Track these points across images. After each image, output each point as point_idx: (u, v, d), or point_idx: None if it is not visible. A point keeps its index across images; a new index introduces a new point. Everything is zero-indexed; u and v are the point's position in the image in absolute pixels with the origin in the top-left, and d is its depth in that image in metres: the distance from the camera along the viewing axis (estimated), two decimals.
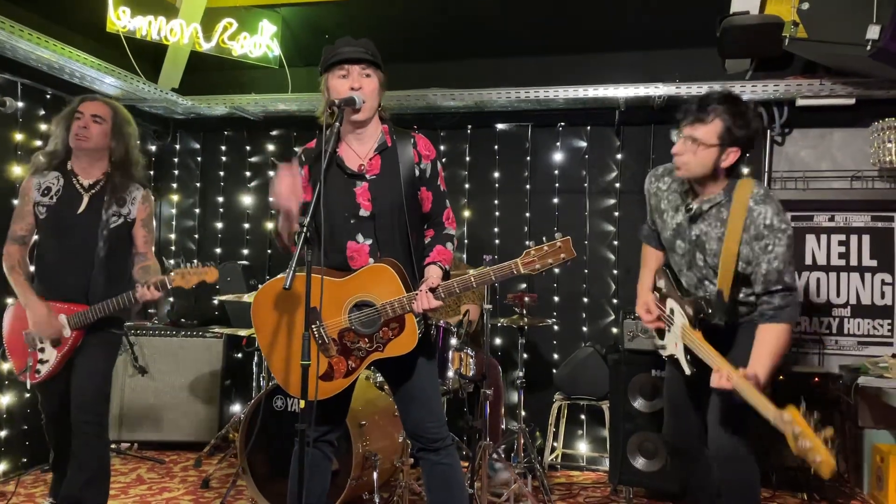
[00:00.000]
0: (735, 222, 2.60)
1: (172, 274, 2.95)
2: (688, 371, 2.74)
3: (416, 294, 2.41)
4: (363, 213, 2.52)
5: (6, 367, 4.02)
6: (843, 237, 4.58)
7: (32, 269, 3.14)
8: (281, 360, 2.59)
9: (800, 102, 4.39)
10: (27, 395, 4.17)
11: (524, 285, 4.92)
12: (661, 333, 2.96)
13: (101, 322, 3.00)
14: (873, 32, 3.39)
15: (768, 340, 2.56)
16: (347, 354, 2.51)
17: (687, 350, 2.72)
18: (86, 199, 3.05)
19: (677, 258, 2.86)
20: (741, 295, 2.74)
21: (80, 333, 3.00)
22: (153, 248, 3.21)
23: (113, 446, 4.67)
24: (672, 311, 2.83)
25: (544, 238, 2.43)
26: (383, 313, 2.44)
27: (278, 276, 2.63)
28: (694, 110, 2.60)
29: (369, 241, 2.52)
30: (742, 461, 2.74)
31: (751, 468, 2.77)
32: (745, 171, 4.70)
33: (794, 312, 2.61)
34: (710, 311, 2.73)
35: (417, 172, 2.57)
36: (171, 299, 5.51)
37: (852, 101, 4.31)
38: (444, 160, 5.12)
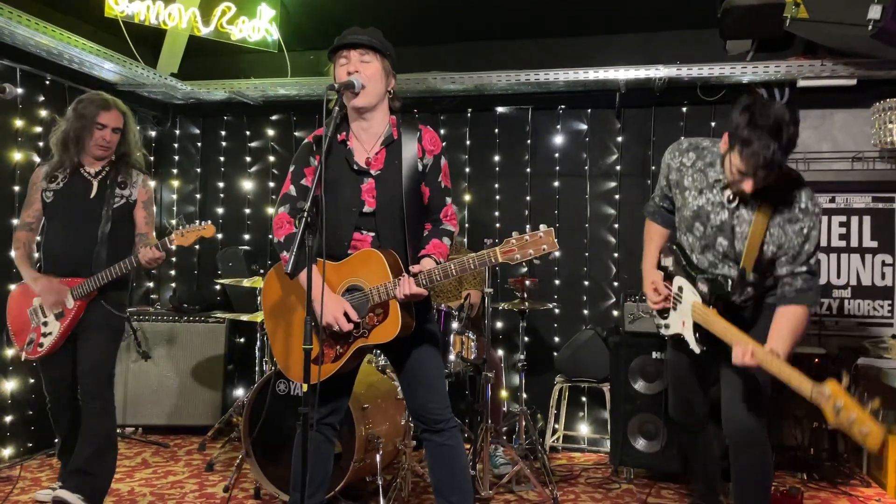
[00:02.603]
0: (767, 205, 2.58)
1: (172, 234, 3.11)
2: (697, 350, 2.72)
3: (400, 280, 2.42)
4: (367, 209, 2.53)
5: (11, 353, 4.05)
6: (843, 218, 4.58)
7: (38, 255, 3.31)
8: (281, 344, 2.63)
9: (801, 83, 4.38)
10: (31, 380, 4.20)
11: (525, 269, 4.94)
12: (663, 312, 2.93)
13: (102, 297, 3.15)
14: (875, 13, 3.37)
15: (788, 320, 2.56)
16: (336, 339, 2.52)
17: (696, 328, 2.70)
18: (95, 185, 3.24)
19: (692, 239, 2.81)
20: (761, 279, 2.72)
21: (82, 304, 3.14)
22: (154, 231, 3.37)
23: (118, 431, 4.70)
24: (681, 289, 2.80)
25: (528, 227, 2.39)
26: (371, 297, 2.45)
27: (278, 269, 2.66)
28: (768, 162, 2.42)
29: (372, 234, 2.54)
30: (759, 444, 2.74)
31: (766, 451, 2.77)
32: None
33: (816, 297, 2.61)
34: (730, 289, 2.70)
35: (420, 167, 2.56)
36: (173, 284, 5.53)
37: (853, 81, 4.30)
38: (444, 144, 5.11)
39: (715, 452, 3.11)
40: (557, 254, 4.96)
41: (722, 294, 2.70)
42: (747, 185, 2.51)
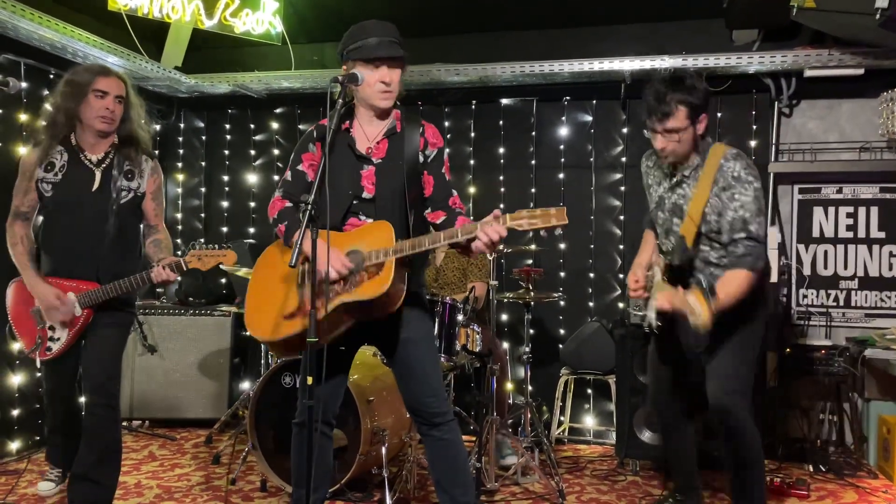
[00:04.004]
0: (706, 177, 2.77)
1: (188, 255, 2.88)
2: (653, 322, 2.82)
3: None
4: (366, 195, 2.54)
5: (17, 347, 4.05)
6: (850, 209, 4.56)
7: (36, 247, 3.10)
8: (255, 300, 2.58)
9: (808, 73, 4.35)
10: (38, 374, 4.21)
11: (530, 261, 4.93)
12: (647, 305, 3.02)
13: (112, 300, 2.95)
14: (882, 1, 3.35)
15: (725, 283, 2.69)
16: (319, 294, 2.46)
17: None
18: (98, 176, 2.97)
19: (658, 228, 3.01)
20: (709, 255, 2.85)
21: (90, 312, 2.95)
22: (163, 220, 3.17)
23: (125, 424, 4.73)
24: (653, 276, 2.94)
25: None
26: (367, 258, 2.42)
27: (278, 242, 2.64)
28: (657, 107, 2.71)
29: (370, 221, 2.54)
30: (734, 415, 2.80)
31: (754, 445, 2.83)
32: (753, 143, 4.71)
33: (756, 261, 2.71)
34: (670, 253, 2.87)
35: (422, 158, 2.59)
36: (179, 278, 5.53)
37: (861, 71, 4.26)
38: (448, 136, 5.10)
39: (692, 448, 3.17)
40: (563, 246, 4.94)
41: (668, 265, 2.88)
42: (657, 142, 2.77)
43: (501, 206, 5.04)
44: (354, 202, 2.54)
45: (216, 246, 2.94)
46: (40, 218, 3.07)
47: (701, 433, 3.55)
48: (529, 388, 4.08)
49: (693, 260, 2.88)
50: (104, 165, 2.99)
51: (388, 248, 2.39)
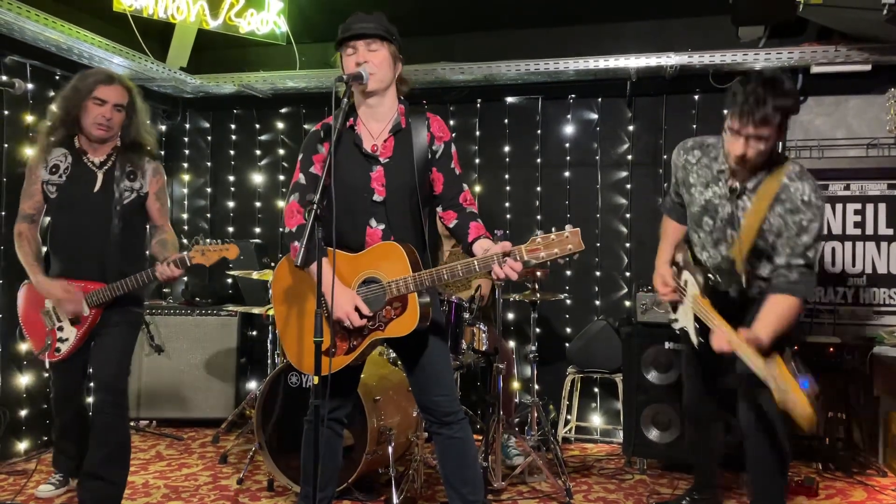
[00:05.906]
0: (766, 193, 2.58)
1: (192, 251, 2.92)
2: (695, 341, 2.76)
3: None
4: (376, 197, 2.52)
5: (25, 347, 4.07)
6: (858, 206, 4.53)
7: (45, 249, 3.13)
8: (292, 336, 2.61)
9: (814, 69, 4.33)
10: (46, 374, 4.22)
11: None
12: (675, 307, 2.95)
13: (120, 299, 2.98)
14: None
15: (776, 308, 2.55)
16: (350, 332, 2.50)
17: (697, 320, 2.72)
18: (100, 177, 3.01)
19: (703, 235, 2.82)
20: (759, 270, 2.73)
21: (98, 311, 2.99)
22: (168, 221, 3.21)
23: (132, 424, 4.74)
24: (686, 283, 2.83)
25: (554, 228, 2.34)
26: (389, 290, 2.43)
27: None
28: (757, 110, 2.44)
29: (382, 226, 2.52)
30: (772, 437, 2.76)
31: (780, 446, 2.78)
32: None
33: (808, 290, 2.59)
34: (717, 276, 2.72)
35: (430, 155, 2.55)
36: (185, 278, 5.54)
37: (868, 67, 4.24)
38: (453, 135, 5.08)
39: (719, 448, 3.15)
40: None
41: (714, 285, 2.73)
42: (738, 146, 2.50)
43: (507, 204, 5.04)
44: (368, 205, 2.51)
45: (219, 241, 2.98)
46: (48, 219, 3.11)
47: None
48: (536, 386, 4.06)
49: (734, 271, 2.74)
50: (106, 167, 3.03)
51: (406, 277, 2.40)
